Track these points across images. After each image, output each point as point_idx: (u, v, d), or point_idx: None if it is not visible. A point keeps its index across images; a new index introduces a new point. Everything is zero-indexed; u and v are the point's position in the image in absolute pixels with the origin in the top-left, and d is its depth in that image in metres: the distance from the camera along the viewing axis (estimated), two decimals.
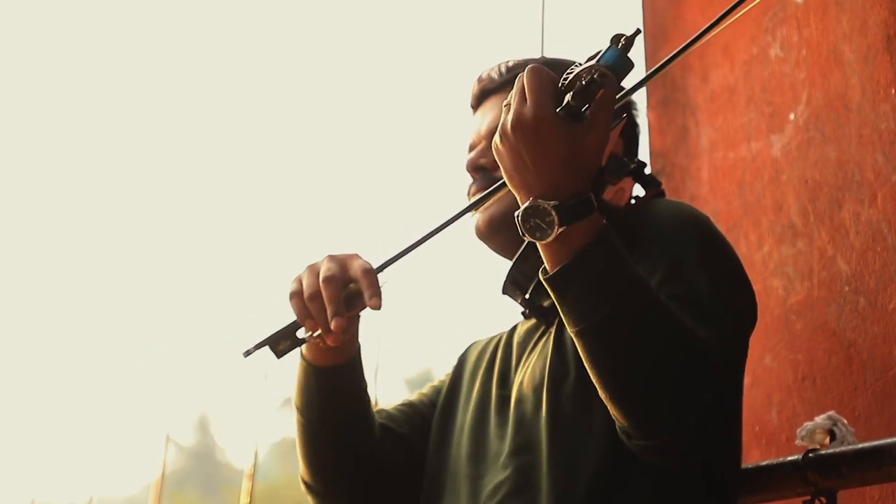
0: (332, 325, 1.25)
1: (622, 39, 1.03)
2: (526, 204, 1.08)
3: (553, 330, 1.39)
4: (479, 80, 1.61)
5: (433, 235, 1.30)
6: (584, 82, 1.03)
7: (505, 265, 1.48)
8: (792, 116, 1.87)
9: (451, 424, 1.52)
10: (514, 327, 1.57)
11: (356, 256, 1.32)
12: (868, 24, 1.73)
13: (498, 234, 1.48)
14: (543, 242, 1.09)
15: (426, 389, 1.64)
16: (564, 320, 1.12)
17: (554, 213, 1.06)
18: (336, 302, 1.26)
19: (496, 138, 1.10)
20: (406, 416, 1.58)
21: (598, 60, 1.03)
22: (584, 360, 1.11)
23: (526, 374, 1.40)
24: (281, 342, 1.31)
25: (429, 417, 1.56)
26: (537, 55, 1.63)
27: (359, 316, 1.41)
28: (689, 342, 1.09)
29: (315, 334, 1.28)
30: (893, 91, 1.65)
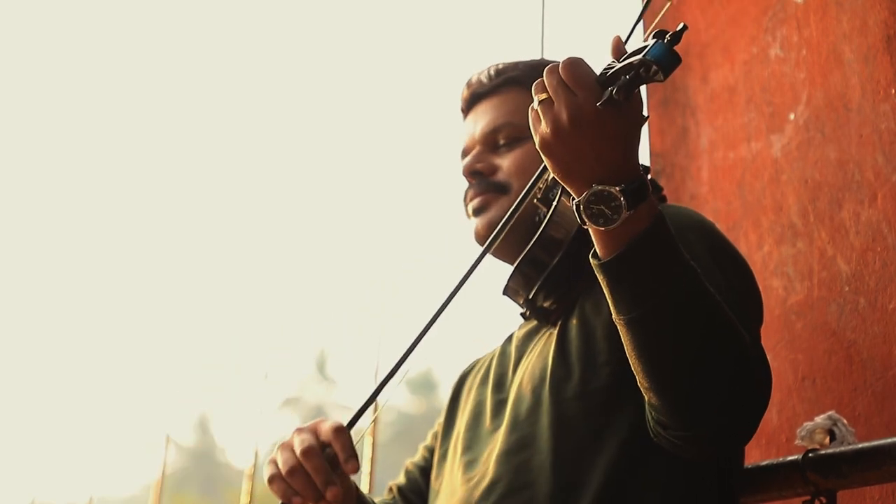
0: (328, 496, 1.22)
1: (668, 35, 0.99)
2: (587, 192, 1.04)
3: (555, 331, 1.38)
4: (469, 84, 1.60)
5: (443, 309, 1.25)
6: (628, 76, 1.00)
7: (504, 267, 1.48)
8: (792, 116, 1.87)
9: (448, 441, 1.53)
10: (510, 336, 1.57)
11: (324, 420, 1.29)
12: (868, 24, 1.73)
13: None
14: (607, 229, 1.05)
15: (428, 440, 1.64)
16: (613, 308, 1.09)
17: (622, 198, 1.03)
18: (323, 471, 1.23)
19: (546, 134, 1.05)
20: (417, 485, 1.59)
21: (644, 55, 0.99)
22: (628, 347, 1.09)
23: (525, 374, 1.40)
24: None
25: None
26: (537, 55, 1.63)
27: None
28: (738, 334, 1.08)
29: None
30: (893, 91, 1.65)
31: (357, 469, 1.25)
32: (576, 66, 1.04)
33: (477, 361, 1.65)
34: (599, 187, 1.04)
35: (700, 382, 1.07)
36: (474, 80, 1.59)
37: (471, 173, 1.53)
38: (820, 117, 1.80)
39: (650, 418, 1.15)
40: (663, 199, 1.52)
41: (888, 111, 1.65)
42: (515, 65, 1.57)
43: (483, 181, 1.51)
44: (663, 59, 0.99)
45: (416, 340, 1.26)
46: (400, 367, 1.26)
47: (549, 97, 1.05)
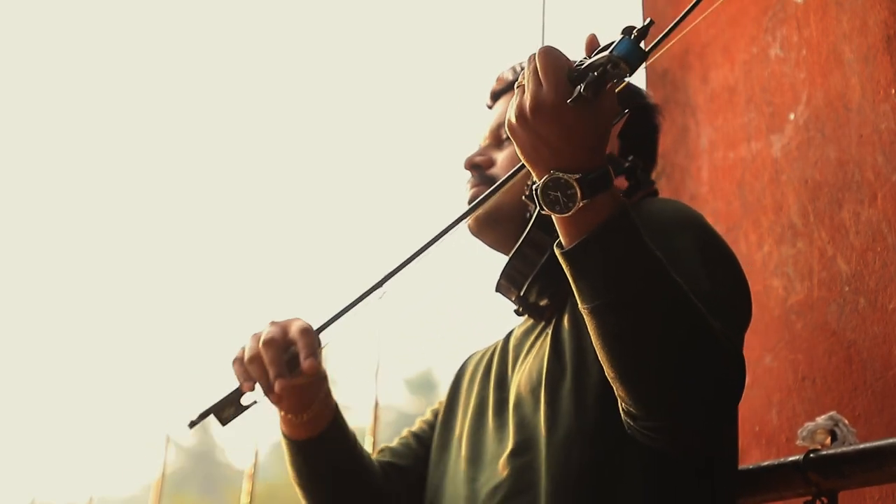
0: (276, 387, 1.31)
1: (635, 31, 1.01)
2: (545, 177, 1.06)
3: (549, 330, 1.39)
4: (498, 79, 1.63)
5: (424, 250, 1.31)
6: (596, 73, 1.01)
7: (500, 263, 1.48)
8: (792, 116, 1.87)
9: (450, 434, 1.53)
10: (510, 332, 1.57)
11: (297, 319, 1.37)
12: (868, 24, 1.73)
13: (488, 228, 1.50)
14: (563, 216, 1.07)
15: (427, 415, 1.65)
16: (578, 297, 1.10)
17: (576, 186, 1.04)
18: (278, 364, 1.32)
19: (511, 118, 1.08)
20: (409, 448, 1.59)
21: (610, 51, 1.01)
22: (593, 336, 1.10)
23: (523, 376, 1.40)
24: (225, 409, 1.35)
25: (429, 444, 1.57)
26: None
27: (326, 377, 1.45)
28: (705, 325, 1.08)
29: (257, 398, 1.33)
30: (893, 91, 1.65)
31: (314, 368, 1.33)
32: (547, 55, 1.05)
33: (475, 354, 1.65)
34: (556, 174, 1.05)
35: (664, 374, 1.07)
36: (501, 75, 1.62)
37: (470, 166, 1.56)
38: (820, 117, 1.80)
39: (621, 409, 1.15)
40: (654, 192, 1.51)
41: (888, 111, 1.65)
42: None
43: (479, 174, 1.54)
44: (629, 55, 1.01)
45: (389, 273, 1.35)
46: (376, 288, 1.36)
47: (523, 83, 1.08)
